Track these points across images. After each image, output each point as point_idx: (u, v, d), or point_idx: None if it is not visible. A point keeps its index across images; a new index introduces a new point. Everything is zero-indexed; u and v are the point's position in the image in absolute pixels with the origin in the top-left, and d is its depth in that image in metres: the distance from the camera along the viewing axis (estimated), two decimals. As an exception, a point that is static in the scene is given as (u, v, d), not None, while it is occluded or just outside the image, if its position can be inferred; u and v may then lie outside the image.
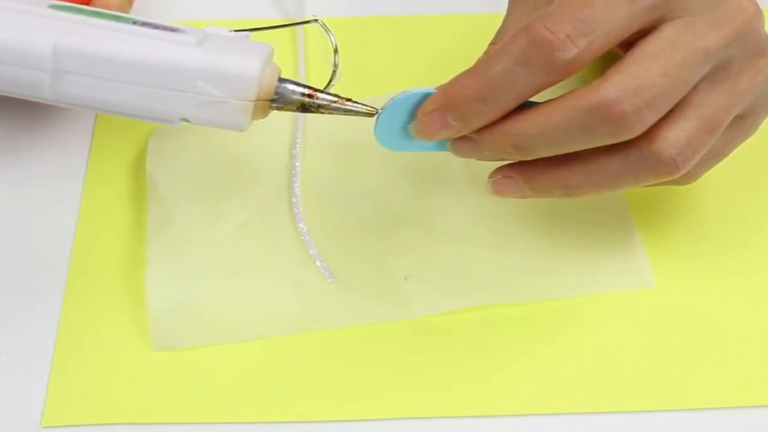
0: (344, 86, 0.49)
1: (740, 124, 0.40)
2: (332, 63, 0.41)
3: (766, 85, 0.40)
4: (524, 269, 0.44)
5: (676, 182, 0.40)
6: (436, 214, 0.45)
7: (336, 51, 0.41)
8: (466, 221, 0.45)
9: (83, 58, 0.37)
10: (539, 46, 0.35)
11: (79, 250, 0.45)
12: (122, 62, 0.37)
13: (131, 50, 0.37)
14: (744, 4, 0.38)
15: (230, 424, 0.40)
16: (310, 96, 0.39)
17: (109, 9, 0.40)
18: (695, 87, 0.38)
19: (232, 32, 0.39)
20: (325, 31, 0.42)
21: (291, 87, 0.39)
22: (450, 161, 0.44)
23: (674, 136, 0.37)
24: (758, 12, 0.38)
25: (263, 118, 0.39)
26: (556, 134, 0.37)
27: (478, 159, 0.40)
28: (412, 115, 0.39)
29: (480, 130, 0.38)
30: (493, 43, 0.41)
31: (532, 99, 0.37)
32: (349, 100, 0.39)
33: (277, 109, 0.39)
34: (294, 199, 0.46)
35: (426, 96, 0.38)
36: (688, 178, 0.40)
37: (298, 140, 0.48)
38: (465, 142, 0.39)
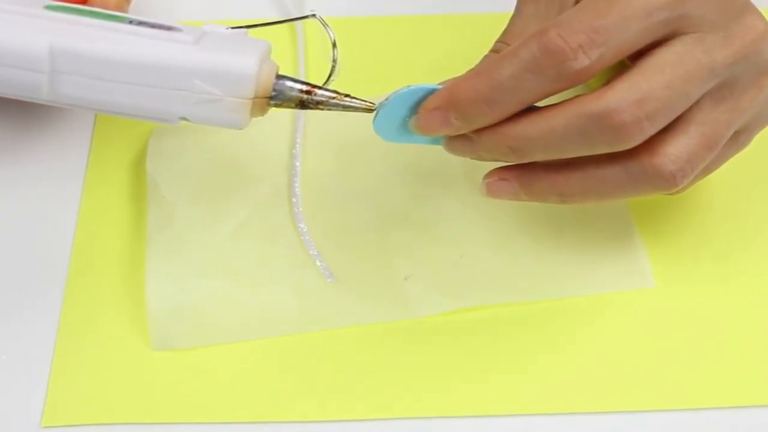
0: (344, 86, 0.48)
1: (737, 139, 0.41)
2: (331, 58, 0.41)
3: (765, 102, 0.40)
4: (524, 269, 0.44)
5: (667, 193, 0.40)
6: (437, 214, 0.45)
7: (334, 45, 0.41)
8: (467, 221, 0.45)
9: (80, 59, 0.37)
10: (551, 54, 0.35)
11: (79, 250, 0.45)
12: (119, 62, 0.37)
13: (128, 50, 0.37)
14: (755, 23, 0.38)
15: (230, 424, 0.40)
16: (308, 92, 0.39)
17: (107, 8, 0.40)
18: (698, 102, 0.38)
19: (230, 30, 0.39)
20: (324, 26, 0.42)
21: (289, 84, 0.39)
22: (450, 162, 0.44)
23: (675, 151, 0.38)
24: (765, 31, 0.38)
25: (262, 115, 0.39)
26: (555, 139, 0.37)
27: (472, 158, 0.39)
28: (414, 109, 0.39)
29: (478, 130, 0.38)
30: (500, 42, 0.41)
31: None
32: (347, 95, 0.39)
33: (276, 106, 0.39)
34: (294, 199, 0.46)
35: (430, 92, 0.38)
36: (679, 189, 0.39)
37: (298, 140, 0.48)
38: (461, 141, 0.39)
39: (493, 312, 0.43)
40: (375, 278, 0.44)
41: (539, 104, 0.37)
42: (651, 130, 0.36)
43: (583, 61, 0.35)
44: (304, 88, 0.39)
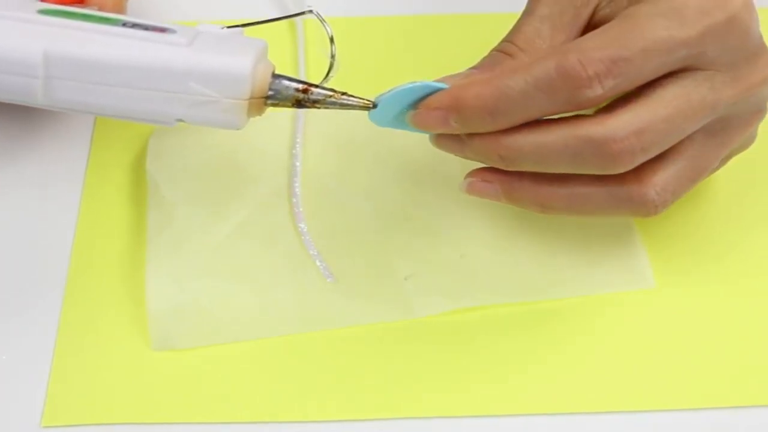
0: (343, 86, 0.49)
1: (718, 166, 0.42)
2: (329, 54, 0.41)
3: (751, 134, 0.41)
4: (524, 270, 0.44)
5: (642, 218, 0.41)
6: (437, 214, 0.45)
7: (332, 41, 0.41)
8: (467, 222, 0.45)
9: (73, 64, 0.37)
10: (567, 78, 0.35)
11: (79, 250, 0.45)
12: (113, 66, 0.37)
13: (121, 54, 0.37)
14: (765, 66, 0.38)
15: (230, 424, 0.40)
16: (305, 91, 0.39)
17: (105, 9, 0.40)
18: (691, 135, 0.38)
19: (225, 30, 0.39)
20: (321, 22, 0.41)
21: (285, 83, 0.39)
22: (450, 162, 0.44)
23: (662, 182, 0.38)
24: None
25: (259, 115, 0.39)
26: (548, 155, 0.37)
27: (457, 156, 0.40)
28: (414, 104, 0.39)
29: (472, 133, 0.38)
30: (508, 41, 0.40)
31: None
32: (344, 94, 0.39)
33: (273, 105, 0.39)
34: (294, 199, 0.46)
35: (435, 90, 0.38)
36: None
37: (298, 140, 0.48)
38: (452, 139, 0.39)
39: (493, 312, 0.43)
40: (375, 278, 0.44)
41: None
42: (642, 160, 0.37)
43: (596, 90, 0.35)
44: (301, 87, 0.39)
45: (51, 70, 0.37)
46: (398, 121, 0.39)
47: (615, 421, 0.40)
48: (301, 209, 0.45)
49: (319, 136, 0.48)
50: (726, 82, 0.37)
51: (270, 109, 0.45)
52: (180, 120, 0.39)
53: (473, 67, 0.40)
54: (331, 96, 0.39)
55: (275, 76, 0.39)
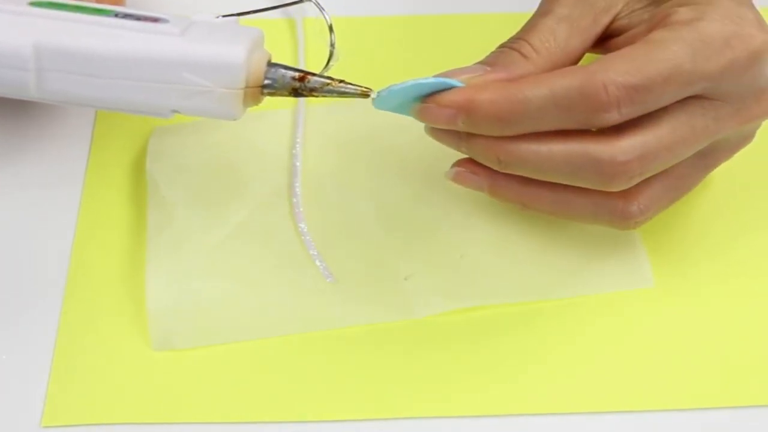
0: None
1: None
2: (329, 43, 0.40)
3: (748, 133, 0.41)
4: (524, 270, 0.44)
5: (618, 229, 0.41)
6: (437, 214, 0.45)
7: (331, 30, 0.40)
8: (467, 222, 0.45)
9: (65, 56, 0.37)
10: (588, 100, 0.35)
11: (79, 250, 0.45)
12: (104, 58, 0.37)
13: (112, 45, 0.37)
14: (765, 98, 0.39)
15: (230, 424, 0.40)
16: (301, 79, 0.38)
17: (103, 0, 0.40)
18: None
19: (220, 19, 0.39)
20: (320, 10, 0.41)
21: (282, 71, 0.38)
22: (451, 161, 0.44)
23: (647, 201, 0.39)
24: None
25: (256, 104, 0.38)
26: (547, 166, 0.37)
27: (450, 147, 0.39)
28: (423, 97, 0.38)
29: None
30: (521, 39, 0.39)
31: None
32: (342, 81, 0.38)
33: (269, 95, 0.38)
34: (294, 199, 0.46)
35: (448, 87, 0.37)
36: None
37: (298, 140, 0.48)
38: (449, 134, 0.39)
39: (493, 312, 0.43)
40: (375, 278, 0.43)
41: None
42: (638, 181, 0.37)
43: (614, 116, 0.35)
44: (297, 75, 0.38)
45: (42, 62, 0.37)
46: (401, 109, 0.39)
47: (615, 421, 0.40)
48: (301, 209, 0.45)
49: (319, 136, 0.48)
50: (731, 113, 0.38)
51: (270, 109, 0.45)
52: (175, 111, 0.38)
53: (485, 63, 0.39)
54: (328, 84, 0.38)
55: (271, 65, 0.38)
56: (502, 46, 0.39)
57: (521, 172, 0.38)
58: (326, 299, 0.43)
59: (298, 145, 0.48)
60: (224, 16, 0.39)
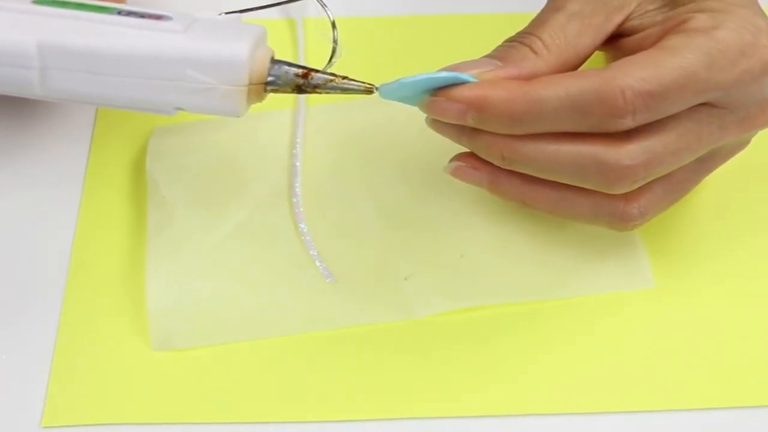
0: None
1: None
2: (331, 39, 0.40)
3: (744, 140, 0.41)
4: (524, 270, 0.44)
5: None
6: (437, 214, 0.45)
7: (334, 26, 0.40)
8: (467, 222, 0.45)
9: (68, 54, 0.37)
10: (604, 105, 0.35)
11: (79, 250, 0.45)
12: (108, 55, 0.37)
13: (116, 43, 0.37)
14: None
15: (230, 424, 0.40)
16: (305, 76, 0.38)
17: None
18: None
19: (223, 16, 0.38)
20: (322, 6, 0.41)
21: (285, 68, 0.38)
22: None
23: (647, 203, 0.39)
24: None
25: (260, 101, 0.38)
26: (553, 166, 0.37)
27: (450, 140, 0.39)
28: (433, 90, 0.37)
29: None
30: (530, 33, 0.38)
31: None
32: (345, 77, 0.38)
33: (273, 91, 0.38)
34: (294, 200, 0.46)
35: (460, 81, 0.37)
36: None
37: (298, 140, 0.48)
38: (452, 128, 0.38)
39: (493, 312, 0.43)
40: (375, 278, 0.43)
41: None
42: (641, 184, 0.38)
43: (628, 122, 0.35)
44: (301, 71, 0.38)
45: (46, 60, 0.37)
46: (407, 100, 0.38)
47: (616, 421, 0.40)
48: (301, 209, 0.45)
49: (319, 136, 0.48)
50: (734, 122, 0.38)
51: (271, 109, 0.45)
52: (179, 108, 0.38)
53: (495, 57, 0.38)
54: (331, 80, 0.38)
55: (275, 62, 0.38)
56: (511, 40, 0.39)
57: (525, 170, 0.38)
58: (326, 299, 0.43)
59: (298, 145, 0.47)
60: (227, 13, 0.39)
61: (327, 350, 0.42)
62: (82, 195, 0.46)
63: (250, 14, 0.53)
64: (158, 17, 0.37)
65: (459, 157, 0.40)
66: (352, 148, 0.48)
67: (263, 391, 0.41)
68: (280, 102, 0.48)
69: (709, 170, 0.41)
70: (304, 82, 0.38)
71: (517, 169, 0.38)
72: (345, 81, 0.38)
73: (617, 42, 0.40)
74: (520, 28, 0.40)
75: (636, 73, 0.35)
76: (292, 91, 0.38)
